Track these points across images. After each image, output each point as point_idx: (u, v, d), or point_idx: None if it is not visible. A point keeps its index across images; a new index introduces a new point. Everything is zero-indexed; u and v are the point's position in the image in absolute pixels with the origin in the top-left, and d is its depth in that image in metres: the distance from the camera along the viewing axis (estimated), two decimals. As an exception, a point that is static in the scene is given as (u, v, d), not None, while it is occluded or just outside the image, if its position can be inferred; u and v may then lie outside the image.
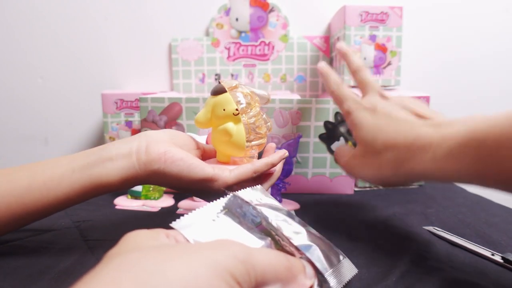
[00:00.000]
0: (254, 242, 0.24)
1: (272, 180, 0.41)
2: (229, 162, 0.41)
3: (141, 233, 0.22)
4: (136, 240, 0.21)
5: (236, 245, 0.20)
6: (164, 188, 0.57)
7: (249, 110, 0.39)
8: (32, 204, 0.33)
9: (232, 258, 0.19)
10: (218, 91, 0.39)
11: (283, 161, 0.42)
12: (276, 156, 0.40)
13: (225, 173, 0.36)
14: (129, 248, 0.20)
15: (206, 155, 0.43)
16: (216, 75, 0.37)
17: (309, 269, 0.24)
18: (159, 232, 0.22)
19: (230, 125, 0.38)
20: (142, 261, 0.17)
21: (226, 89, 0.38)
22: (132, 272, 0.17)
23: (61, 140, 0.85)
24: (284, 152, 0.41)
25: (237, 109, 0.38)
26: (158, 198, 0.55)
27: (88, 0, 0.79)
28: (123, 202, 0.54)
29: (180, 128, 0.57)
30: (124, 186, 0.36)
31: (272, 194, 0.44)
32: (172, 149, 0.35)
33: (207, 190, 0.36)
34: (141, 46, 0.82)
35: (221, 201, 0.28)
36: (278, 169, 0.41)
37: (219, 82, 0.39)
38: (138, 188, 0.55)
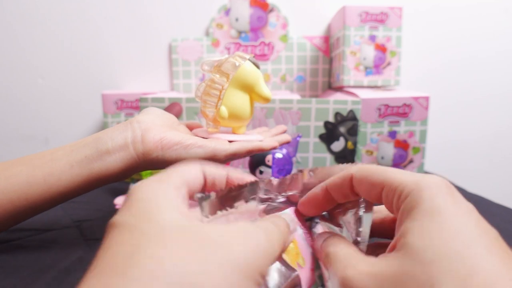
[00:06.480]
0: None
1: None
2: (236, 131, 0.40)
3: (152, 191, 0.18)
4: (151, 204, 0.18)
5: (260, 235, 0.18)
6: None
7: None
8: (34, 199, 0.33)
9: (255, 253, 0.17)
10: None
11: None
12: (268, 145, 0.38)
13: (225, 146, 0.36)
14: (139, 219, 0.17)
15: (190, 127, 0.43)
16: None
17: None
18: (179, 189, 0.19)
19: None
20: (156, 257, 0.15)
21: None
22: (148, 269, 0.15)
23: (62, 140, 0.85)
24: (276, 143, 0.39)
25: None
26: (158, 198, 0.55)
27: (88, 0, 0.79)
28: (123, 202, 0.54)
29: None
30: (125, 175, 0.36)
31: None
32: (168, 135, 0.35)
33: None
34: (141, 46, 0.82)
35: (260, 186, 0.25)
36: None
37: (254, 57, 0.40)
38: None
